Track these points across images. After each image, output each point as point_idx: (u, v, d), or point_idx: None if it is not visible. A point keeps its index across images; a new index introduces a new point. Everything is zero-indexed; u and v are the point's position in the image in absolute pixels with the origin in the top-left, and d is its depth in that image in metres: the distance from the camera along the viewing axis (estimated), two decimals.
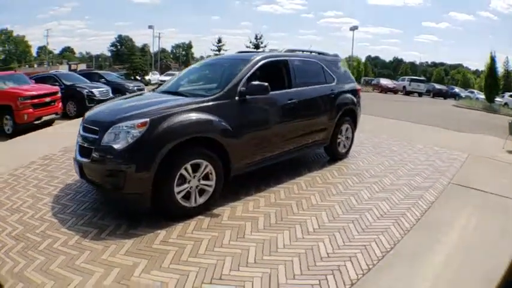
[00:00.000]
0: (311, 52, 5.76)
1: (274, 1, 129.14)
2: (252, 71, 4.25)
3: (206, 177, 3.63)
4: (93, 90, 12.24)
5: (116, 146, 3.25)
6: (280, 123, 4.49)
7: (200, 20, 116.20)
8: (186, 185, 3.44)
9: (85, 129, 3.71)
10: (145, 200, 3.24)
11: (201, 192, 3.62)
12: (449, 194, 4.30)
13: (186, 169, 3.42)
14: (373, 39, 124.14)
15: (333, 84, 5.52)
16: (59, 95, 10.34)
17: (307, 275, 2.64)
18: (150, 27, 49.17)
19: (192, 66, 5.91)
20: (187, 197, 3.49)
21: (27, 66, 60.42)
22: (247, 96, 4.00)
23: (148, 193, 3.23)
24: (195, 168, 3.52)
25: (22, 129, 8.69)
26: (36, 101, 9.39)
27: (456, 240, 3.21)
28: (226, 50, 35.88)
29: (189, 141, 3.48)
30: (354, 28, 37.77)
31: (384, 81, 34.91)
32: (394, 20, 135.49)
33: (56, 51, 77.44)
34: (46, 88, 10.42)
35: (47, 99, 9.78)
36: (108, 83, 15.54)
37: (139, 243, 3.00)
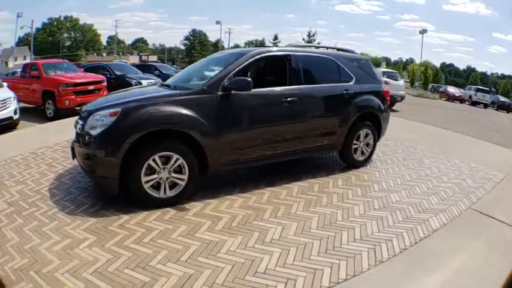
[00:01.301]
0: (327, 48, 5.24)
1: (351, 1, 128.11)
2: (241, 66, 4.09)
3: (179, 170, 3.66)
4: (141, 80, 12.86)
5: (92, 132, 3.55)
6: (272, 122, 4.23)
7: (275, 18, 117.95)
8: (155, 176, 3.55)
9: (80, 116, 4.05)
10: (114, 185, 3.46)
11: (173, 184, 3.66)
12: (462, 222, 3.58)
13: (154, 160, 3.51)
14: (448, 45, 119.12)
15: (350, 83, 5.02)
16: (104, 83, 11.01)
17: (229, 287, 2.41)
18: (218, 22, 50.97)
19: (199, 60, 5.88)
20: (157, 187, 3.59)
21: (95, 54, 65.19)
22: (233, 92, 3.86)
23: (116, 178, 3.43)
24: (167, 160, 3.59)
25: (63, 114, 9.38)
26: (78, 88, 10.06)
27: (436, 285, 2.56)
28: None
29: (162, 133, 3.56)
30: (423, 31, 35.75)
31: (451, 89, 32.94)
32: (468, 28, 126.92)
33: (128, 42, 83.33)
34: (91, 77, 11.16)
35: (90, 87, 10.43)
36: (161, 75, 16.17)
37: (100, 223, 3.27)
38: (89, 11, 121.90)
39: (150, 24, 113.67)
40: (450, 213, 3.73)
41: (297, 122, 4.40)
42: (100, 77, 11.35)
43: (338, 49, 5.39)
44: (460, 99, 30.03)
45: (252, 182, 4.40)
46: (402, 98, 15.05)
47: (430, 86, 39.01)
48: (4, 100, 8.27)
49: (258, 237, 3.09)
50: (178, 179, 3.66)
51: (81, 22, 73.07)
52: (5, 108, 8.23)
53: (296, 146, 4.46)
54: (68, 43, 70.37)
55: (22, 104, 10.85)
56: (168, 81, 4.88)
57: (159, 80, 13.69)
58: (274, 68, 4.72)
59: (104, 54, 64.24)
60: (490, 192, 4.47)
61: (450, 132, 8.90)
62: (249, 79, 3.89)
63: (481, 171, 5.31)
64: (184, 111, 3.63)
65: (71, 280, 2.41)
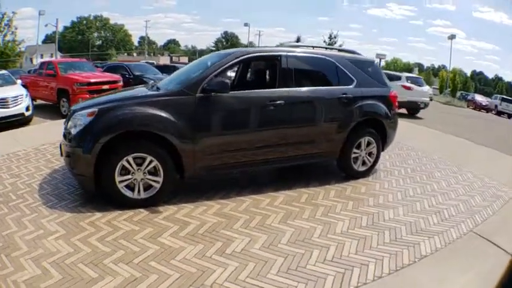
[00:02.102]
0: (326, 48, 4.92)
1: (384, 5, 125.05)
2: (224, 67, 3.98)
3: (154, 172, 3.64)
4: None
5: (72, 131, 3.66)
6: (255, 127, 4.06)
7: (308, 20, 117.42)
8: (129, 176, 3.57)
9: (68, 116, 4.15)
10: (90, 183, 3.55)
11: (149, 186, 3.66)
12: (458, 248, 3.14)
13: (128, 161, 3.53)
14: (478, 53, 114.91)
15: (349, 87, 4.69)
16: (120, 83, 11.27)
17: None
18: (246, 24, 51.19)
19: (193, 61, 5.84)
20: (133, 188, 3.62)
21: (125, 54, 66.85)
22: (213, 94, 3.74)
23: (91, 177, 3.50)
24: (142, 161, 3.60)
25: None
26: (93, 87, 10.24)
27: None
28: None
29: (138, 134, 3.59)
30: (452, 37, 35.08)
31: (479, 98, 31.63)
32: (495, 36, 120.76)
33: (161, 43, 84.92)
34: (106, 76, 11.40)
35: (105, 87, 10.59)
36: None
37: (73, 218, 3.39)
38: (122, 11, 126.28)
39: (183, 26, 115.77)
40: (447, 236, 3.32)
41: (284, 127, 4.16)
42: (116, 76, 11.56)
43: (340, 50, 5.05)
44: (486, 109, 29.32)
45: (237, 188, 4.23)
46: (426, 105, 14.29)
47: (458, 93, 37.45)
48: (16, 97, 8.57)
49: (220, 247, 2.93)
50: (153, 181, 3.63)
51: (111, 22, 75.02)
52: (16, 105, 8.50)
53: (283, 153, 4.22)
54: (98, 42, 72.44)
55: (40, 101, 11.29)
56: (160, 83, 4.79)
57: None
58: (263, 69, 4.54)
59: (135, 55, 66.00)
60: (499, 211, 3.98)
61: (470, 143, 8.23)
62: (226, 81, 3.76)
63: (493, 187, 4.78)
64: (159, 113, 3.57)
65: (31, 266, 2.60)
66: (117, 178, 3.51)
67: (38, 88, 10.95)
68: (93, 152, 3.42)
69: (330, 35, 24.40)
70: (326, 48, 5.00)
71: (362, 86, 4.76)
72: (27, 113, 8.69)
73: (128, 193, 3.58)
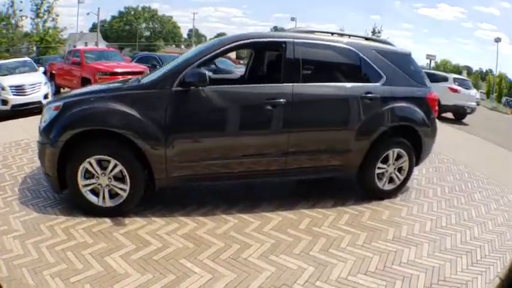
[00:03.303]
0: (350, 36, 3.95)
1: (435, 5, 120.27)
2: (210, 55, 3.27)
3: (122, 179, 3.08)
4: None
5: (40, 125, 3.33)
6: (246, 130, 3.30)
7: (360, 18, 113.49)
8: (93, 180, 3.12)
9: None
10: (55, 183, 3.17)
11: (116, 193, 3.16)
12: None
13: (90, 163, 3.06)
14: None
15: (376, 84, 3.73)
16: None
17: None
18: (293, 19, 50.32)
19: (190, 50, 5.18)
20: (98, 193, 3.17)
21: (174, 46, 68.03)
22: (192, 89, 3.07)
23: (55, 177, 3.13)
24: (107, 165, 3.08)
25: None
26: (116, 77, 9.89)
27: None
28: None
29: (104, 133, 3.04)
30: (497, 40, 33.56)
31: None
32: None
33: (210, 36, 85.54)
34: (132, 66, 11.19)
35: (129, 77, 10.17)
36: (217, 69, 15.49)
37: (37, 219, 3.14)
38: (172, 3, 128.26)
39: (234, 20, 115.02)
40: None
41: (286, 132, 3.34)
42: (141, 67, 11.24)
43: (367, 38, 4.06)
44: None
45: (226, 203, 3.51)
46: (473, 110, 12.65)
47: (503, 99, 34.40)
48: (34, 84, 8.51)
49: (168, 283, 2.32)
50: (120, 188, 3.11)
51: (160, 13, 75.89)
52: (33, 92, 8.36)
53: (283, 164, 3.41)
54: (146, 33, 73.52)
55: (67, 89, 11.25)
56: (148, 75, 4.18)
57: (209, 73, 13.24)
58: (262, 59, 3.78)
59: (183, 46, 67.02)
60: None
61: None
62: (203, 71, 3.05)
63: None
64: (123, 109, 2.99)
65: None
66: (81, 181, 3.07)
67: (64, 76, 10.90)
68: (55, 151, 3.02)
69: (373, 30, 22.33)
70: (349, 36, 4.04)
71: (393, 84, 3.78)
72: (44, 101, 8.54)
73: (93, 199, 3.12)
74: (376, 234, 3.12)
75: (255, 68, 4.57)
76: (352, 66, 3.73)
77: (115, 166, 3.04)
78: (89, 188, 3.09)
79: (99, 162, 3.05)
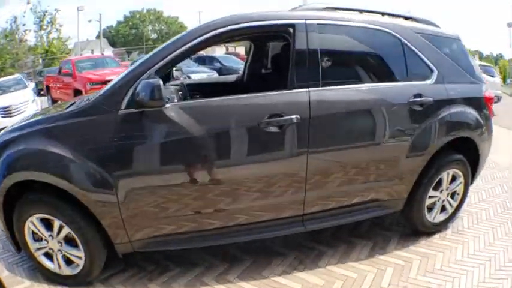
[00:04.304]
0: (383, 14, 2.73)
1: None
2: (174, 54, 2.08)
3: (74, 243, 2.14)
4: (191, 75, 11.16)
5: None
6: (240, 165, 2.16)
7: None
8: (44, 243, 2.22)
9: None
10: (10, 242, 2.32)
11: (71, 260, 2.25)
12: None
13: (33, 223, 2.15)
14: None
15: (426, 82, 2.56)
16: None
17: None
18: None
19: None
20: (52, 258, 2.28)
21: None
22: (148, 109, 1.97)
23: (8, 235, 2.28)
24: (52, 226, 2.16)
25: None
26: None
27: None
28: None
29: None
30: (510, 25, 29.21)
31: None
32: None
33: None
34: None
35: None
36: (222, 67, 14.23)
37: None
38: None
39: None
40: None
41: (299, 160, 2.18)
42: None
43: (407, 18, 2.82)
44: None
45: (223, 264, 2.44)
46: (499, 99, 11.21)
47: None
48: (20, 104, 7.67)
49: None
50: (73, 255, 2.17)
51: (165, 15, 73.54)
52: (19, 113, 7.49)
53: (299, 208, 2.28)
54: (153, 35, 71.07)
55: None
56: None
57: (213, 73, 12.10)
58: (262, 54, 2.90)
59: None
60: None
61: None
62: (156, 82, 1.89)
63: None
64: (52, 149, 1.97)
65: None
66: (31, 243, 2.23)
67: (58, 89, 9.95)
68: None
69: None
70: (383, 14, 2.76)
71: (446, 82, 2.60)
72: None
73: (49, 264, 2.25)
74: None
75: (254, 68, 3.45)
76: (393, 58, 2.52)
77: (61, 227, 2.10)
78: (42, 251, 2.24)
79: (46, 221, 2.11)
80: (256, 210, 2.19)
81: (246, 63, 3.63)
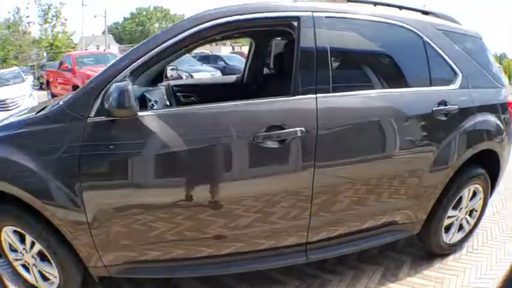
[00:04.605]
0: (401, 8, 2.35)
1: None
2: (150, 53, 1.73)
3: (49, 260, 1.87)
4: (194, 74, 11.13)
5: None
6: (232, 185, 1.79)
7: None
8: (20, 256, 1.98)
9: None
10: None
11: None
12: None
13: (7, 234, 1.91)
14: None
15: (450, 87, 2.22)
16: None
17: None
18: None
19: None
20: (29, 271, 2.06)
21: None
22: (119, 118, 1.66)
23: None
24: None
25: None
26: None
27: None
28: None
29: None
30: None
31: None
32: None
33: None
34: None
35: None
36: (226, 66, 13.81)
37: None
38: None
39: None
40: None
41: (305, 180, 1.83)
42: None
43: (426, 12, 2.44)
44: None
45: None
46: None
47: None
48: (17, 98, 7.38)
49: None
50: (48, 272, 1.93)
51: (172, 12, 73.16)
52: (15, 107, 7.29)
53: (302, 235, 1.94)
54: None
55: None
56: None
57: (217, 72, 11.79)
58: (262, 53, 2.67)
59: None
60: None
61: None
62: (124, 86, 1.57)
63: None
64: (16, 158, 1.69)
65: None
66: (8, 253, 2.02)
67: (57, 84, 9.68)
68: None
69: None
70: (400, 8, 2.35)
71: (471, 86, 2.26)
72: None
73: (27, 276, 2.04)
74: None
75: (255, 68, 3.13)
76: (414, 59, 2.16)
77: (33, 243, 1.86)
78: (19, 262, 2.03)
79: (20, 233, 1.87)
80: (251, 238, 1.87)
81: (246, 62, 3.30)
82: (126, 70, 1.68)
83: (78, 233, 1.70)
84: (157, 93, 2.51)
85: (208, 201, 1.74)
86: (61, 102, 1.79)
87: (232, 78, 3.56)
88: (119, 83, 1.57)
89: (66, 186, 1.64)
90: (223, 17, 1.77)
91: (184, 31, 1.73)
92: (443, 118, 2.08)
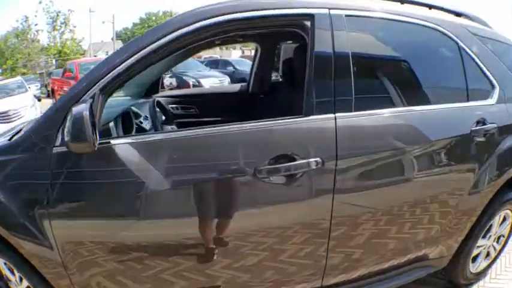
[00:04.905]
0: (431, 7, 1.99)
1: None
2: (128, 62, 1.33)
3: None
4: (201, 79, 10.74)
5: None
6: (228, 231, 1.43)
7: None
8: (14, 286, 1.69)
9: None
10: None
11: None
12: None
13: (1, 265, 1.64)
14: None
15: (487, 102, 1.86)
16: None
17: None
18: None
19: None
20: None
21: None
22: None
23: None
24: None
25: None
26: None
27: None
28: None
29: None
30: None
31: None
32: None
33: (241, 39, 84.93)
34: None
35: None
36: (235, 71, 13.39)
37: None
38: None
39: None
40: None
41: (321, 221, 1.48)
42: None
43: (458, 14, 2.12)
44: None
45: None
46: None
47: None
48: (19, 109, 7.15)
49: None
50: None
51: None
52: (17, 118, 7.11)
53: (318, 279, 1.61)
54: None
55: None
56: None
57: (226, 77, 11.42)
58: (269, 60, 2.42)
59: None
60: None
61: None
62: (79, 111, 1.20)
63: None
64: None
65: None
66: (6, 280, 1.75)
67: (62, 92, 9.47)
68: None
69: None
70: (430, 7, 1.96)
71: (508, 100, 1.92)
72: None
73: None
74: None
75: (261, 78, 2.81)
76: (449, 68, 1.83)
77: (22, 278, 1.58)
78: None
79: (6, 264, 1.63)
80: (264, 280, 1.55)
81: (251, 70, 2.93)
82: (95, 86, 1.32)
83: (56, 276, 1.44)
84: (149, 108, 2.25)
85: (194, 239, 1.41)
86: (29, 127, 1.52)
87: (237, 87, 3.25)
88: (76, 107, 1.22)
89: (34, 221, 1.37)
90: (222, 15, 1.38)
91: (168, 34, 1.35)
92: (482, 139, 1.76)
